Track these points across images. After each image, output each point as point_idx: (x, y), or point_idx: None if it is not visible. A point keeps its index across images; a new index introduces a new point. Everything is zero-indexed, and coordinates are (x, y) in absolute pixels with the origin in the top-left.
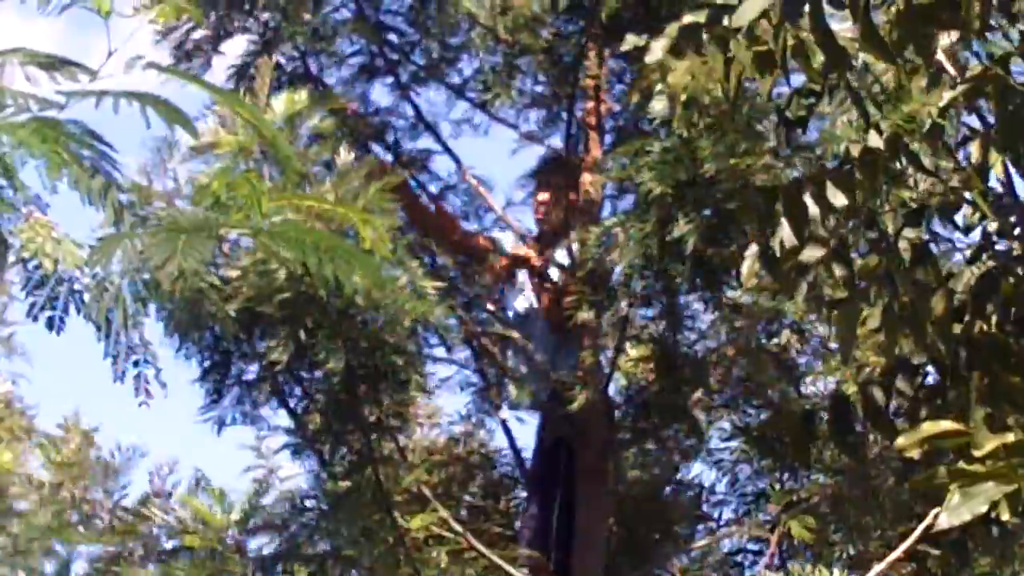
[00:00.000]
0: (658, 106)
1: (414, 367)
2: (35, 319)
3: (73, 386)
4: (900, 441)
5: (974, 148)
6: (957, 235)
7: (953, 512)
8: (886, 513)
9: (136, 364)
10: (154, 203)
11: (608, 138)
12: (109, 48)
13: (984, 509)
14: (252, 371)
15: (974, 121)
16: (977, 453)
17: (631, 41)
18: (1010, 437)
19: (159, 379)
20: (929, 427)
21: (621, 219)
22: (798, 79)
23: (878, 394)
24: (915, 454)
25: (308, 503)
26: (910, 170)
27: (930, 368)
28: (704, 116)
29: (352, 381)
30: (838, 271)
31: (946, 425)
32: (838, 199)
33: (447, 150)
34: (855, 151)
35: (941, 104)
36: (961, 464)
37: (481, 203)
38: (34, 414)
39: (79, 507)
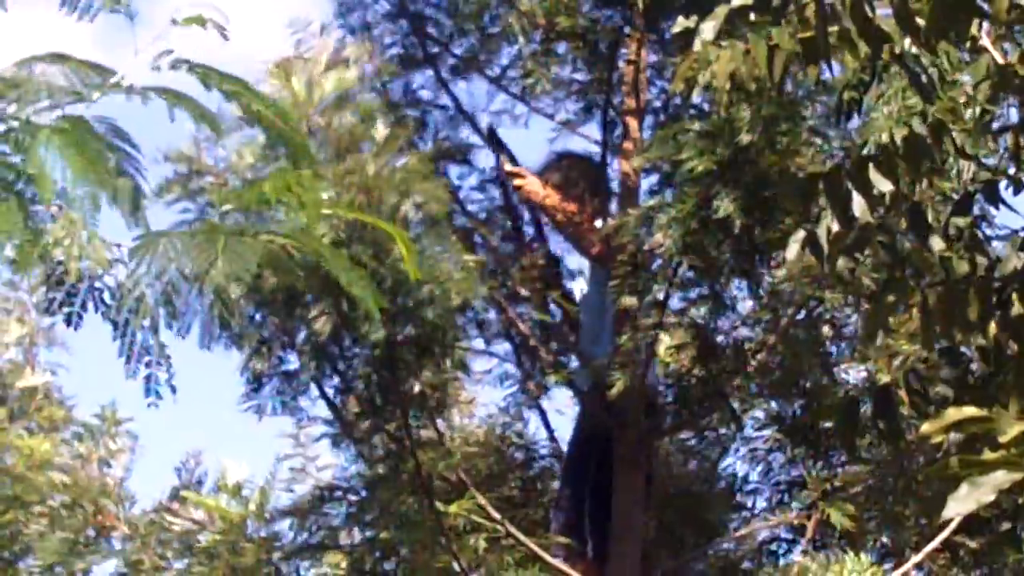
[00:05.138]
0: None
1: (455, 338)
2: (53, 314)
3: (113, 376)
4: (925, 428)
5: (1010, 138)
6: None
7: (960, 502)
8: (921, 502)
9: (148, 366)
10: (204, 176)
11: (647, 126)
12: (135, 48)
13: (991, 498)
14: (292, 360)
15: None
16: (1001, 439)
17: (682, 23)
18: None
19: (170, 383)
20: (953, 413)
21: (662, 201)
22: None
23: (922, 382)
24: (940, 441)
25: (346, 491)
26: (950, 160)
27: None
28: (746, 100)
29: (394, 354)
30: (883, 258)
31: (970, 411)
32: (882, 185)
33: (486, 141)
34: (899, 137)
35: (978, 94)
36: (987, 452)
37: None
38: (73, 404)
39: (95, 522)
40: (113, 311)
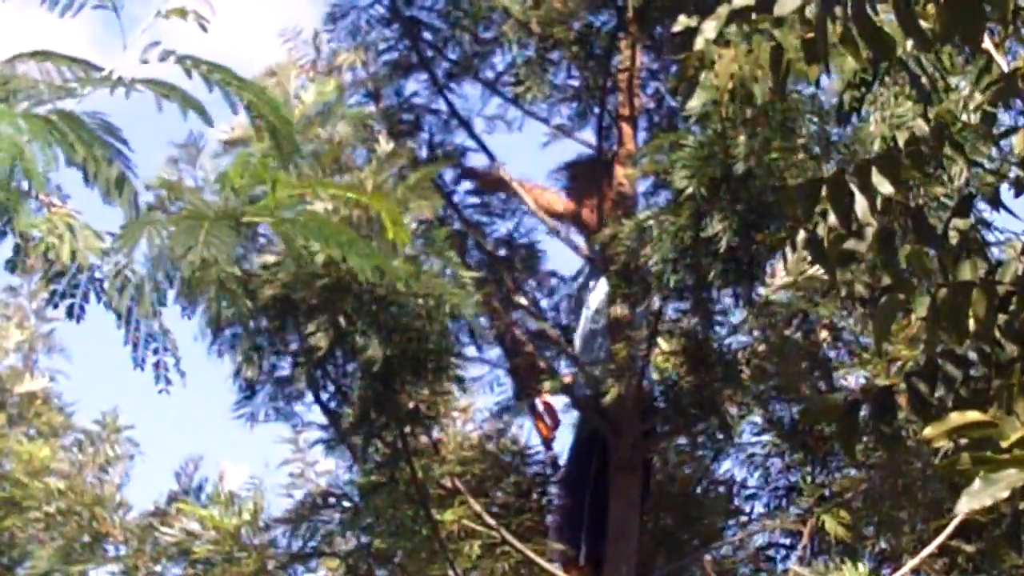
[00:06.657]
0: (696, 101)
1: (451, 355)
2: (55, 306)
3: (114, 383)
4: (927, 431)
5: (1016, 140)
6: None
7: (974, 497)
8: (918, 507)
9: (155, 352)
10: (184, 198)
11: (641, 133)
12: (124, 43)
13: (1005, 495)
14: (285, 366)
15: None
16: (1003, 443)
17: (683, 22)
18: None
19: (178, 368)
20: (956, 417)
21: (655, 213)
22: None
23: (923, 386)
24: (942, 444)
25: (340, 498)
26: (946, 164)
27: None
28: (745, 109)
29: (390, 370)
30: (884, 261)
31: (973, 415)
32: (884, 187)
33: (481, 146)
34: (901, 139)
35: (977, 97)
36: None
37: (515, 198)
38: (73, 410)
39: (90, 528)
40: (113, 300)
